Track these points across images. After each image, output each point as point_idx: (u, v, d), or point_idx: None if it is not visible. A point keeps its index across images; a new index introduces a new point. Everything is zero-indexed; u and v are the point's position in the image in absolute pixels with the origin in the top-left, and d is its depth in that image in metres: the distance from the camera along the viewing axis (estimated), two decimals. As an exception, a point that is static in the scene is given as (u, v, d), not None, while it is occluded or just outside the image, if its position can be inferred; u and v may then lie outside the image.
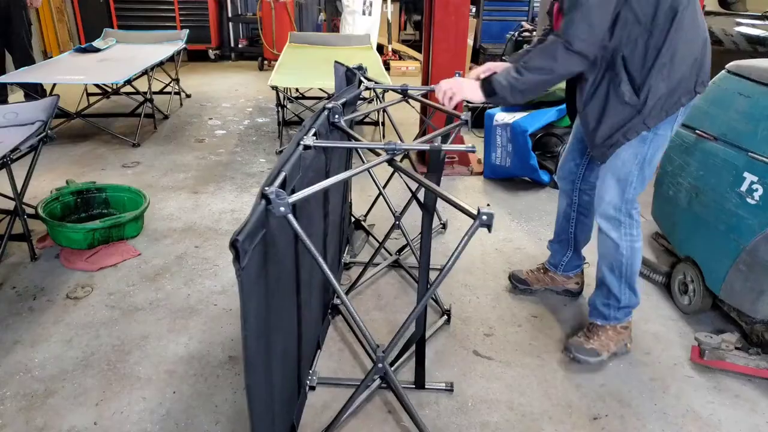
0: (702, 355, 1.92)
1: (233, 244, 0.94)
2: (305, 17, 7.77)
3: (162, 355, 1.95)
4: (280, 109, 4.15)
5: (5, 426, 1.64)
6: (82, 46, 4.97)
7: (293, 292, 1.49)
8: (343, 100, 1.86)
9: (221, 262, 2.56)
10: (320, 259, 1.28)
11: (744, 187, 1.91)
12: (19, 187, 2.45)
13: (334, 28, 7.59)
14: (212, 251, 2.65)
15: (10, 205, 2.52)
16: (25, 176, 2.52)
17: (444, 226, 2.92)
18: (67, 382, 1.82)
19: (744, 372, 1.89)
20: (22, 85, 4.48)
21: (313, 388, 1.79)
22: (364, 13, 6.68)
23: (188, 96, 5.59)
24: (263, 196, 1.09)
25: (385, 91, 2.46)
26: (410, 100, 2.28)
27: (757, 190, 1.87)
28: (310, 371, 1.82)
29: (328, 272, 1.32)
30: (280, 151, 4.04)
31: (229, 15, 7.62)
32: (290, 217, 1.15)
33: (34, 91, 4.34)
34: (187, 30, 5.65)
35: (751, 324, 1.97)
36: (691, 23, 1.63)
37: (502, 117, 3.42)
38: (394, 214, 2.41)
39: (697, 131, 2.17)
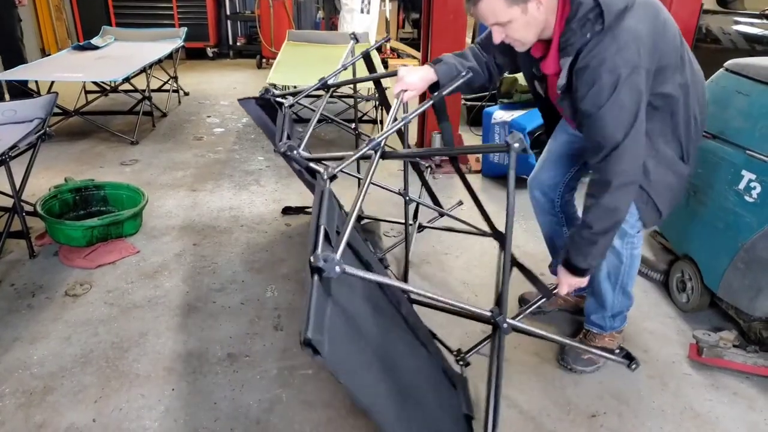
0: (700, 353, 1.93)
1: (307, 344, 0.86)
2: (303, 15, 7.76)
3: (161, 353, 1.95)
4: (279, 108, 4.14)
5: (4, 423, 1.64)
6: (80, 43, 4.96)
7: (390, 316, 1.46)
8: (286, 140, 1.75)
9: (219, 259, 2.56)
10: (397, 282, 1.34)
11: (742, 185, 1.92)
12: (17, 185, 2.45)
13: (333, 26, 7.59)
14: (210, 249, 2.65)
15: (8, 202, 2.51)
16: (24, 174, 2.52)
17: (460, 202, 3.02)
18: (66, 379, 1.82)
19: (742, 369, 1.90)
20: (10, 84, 4.22)
21: (468, 363, 1.81)
22: (362, 11, 6.68)
23: (186, 94, 5.58)
24: (312, 269, 1.00)
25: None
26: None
27: (755, 188, 1.87)
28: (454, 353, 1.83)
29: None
30: (279, 149, 4.03)
31: (228, 13, 7.61)
32: (348, 269, 1.05)
33: (20, 91, 4.10)
34: (186, 28, 5.64)
35: (749, 322, 1.98)
36: (693, 69, 1.62)
37: (500, 115, 3.41)
38: (400, 193, 2.42)
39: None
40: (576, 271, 1.64)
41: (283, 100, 2.10)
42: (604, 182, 1.50)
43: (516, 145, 1.21)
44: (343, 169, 1.45)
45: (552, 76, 1.63)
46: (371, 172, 1.41)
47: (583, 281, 1.68)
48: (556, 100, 1.66)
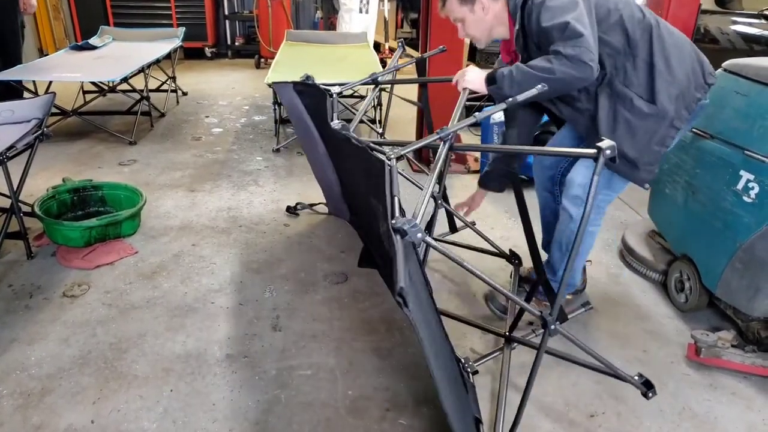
0: (698, 353, 1.93)
1: (400, 294, 0.98)
2: (302, 15, 7.75)
3: (159, 353, 1.95)
4: (276, 107, 4.15)
5: (2, 424, 1.64)
6: (78, 43, 4.95)
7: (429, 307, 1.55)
8: (337, 120, 1.92)
9: (218, 260, 2.56)
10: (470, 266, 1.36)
11: (740, 186, 1.92)
12: (15, 185, 2.44)
13: (331, 26, 7.58)
14: (209, 249, 2.65)
15: (6, 203, 2.51)
16: (21, 174, 2.51)
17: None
18: (64, 380, 1.81)
19: (740, 370, 1.90)
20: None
21: (476, 371, 1.81)
22: (361, 11, 6.67)
23: (185, 94, 5.57)
24: (396, 230, 1.11)
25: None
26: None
27: (753, 188, 1.87)
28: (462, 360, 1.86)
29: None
30: (277, 150, 4.03)
31: (226, 13, 7.61)
32: (428, 239, 1.18)
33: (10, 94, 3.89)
34: (184, 28, 5.64)
35: (747, 322, 1.98)
36: (668, 31, 1.77)
37: (499, 115, 3.41)
38: (434, 197, 2.41)
39: (693, 129, 2.18)
40: (488, 75, 1.78)
41: (329, 88, 2.19)
42: (555, 51, 1.64)
43: (608, 151, 1.25)
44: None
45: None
46: (440, 161, 1.49)
47: (460, 83, 1.86)
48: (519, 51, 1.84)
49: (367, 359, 1.95)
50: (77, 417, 1.67)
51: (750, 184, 1.88)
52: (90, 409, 1.70)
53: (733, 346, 1.93)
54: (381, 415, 1.72)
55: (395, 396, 1.79)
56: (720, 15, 4.38)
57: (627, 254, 2.59)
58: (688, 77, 1.76)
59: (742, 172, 1.91)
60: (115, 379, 1.82)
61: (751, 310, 1.92)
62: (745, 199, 1.90)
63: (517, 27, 1.78)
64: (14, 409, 1.69)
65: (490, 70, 1.81)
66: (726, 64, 2.14)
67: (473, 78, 1.84)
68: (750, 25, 4.14)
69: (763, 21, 4.04)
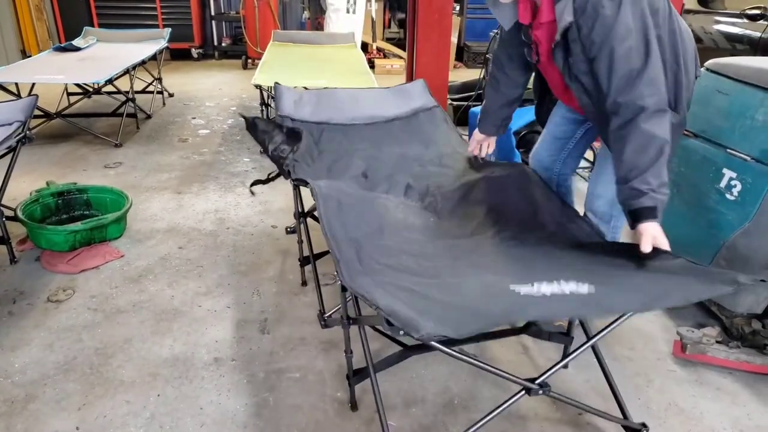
0: (684, 350, 1.95)
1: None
2: (289, 15, 7.73)
3: (145, 358, 1.93)
4: (264, 108, 4.13)
5: (-15, 433, 1.62)
6: (62, 44, 4.89)
7: None
8: None
9: (205, 262, 2.54)
10: None
11: (723, 183, 1.94)
12: (-3, 189, 2.41)
13: (318, 26, 7.56)
14: (196, 252, 2.63)
15: (-12, 207, 2.47)
16: (3, 178, 2.48)
17: None
18: (49, 387, 1.79)
19: (725, 365, 1.92)
20: None
21: None
22: (348, 11, 6.67)
23: (171, 95, 5.53)
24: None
25: None
26: None
27: (735, 186, 1.90)
28: None
29: None
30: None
31: (212, 13, 7.56)
32: None
33: None
34: (170, 28, 5.60)
35: (732, 318, 2.01)
36: (686, 24, 1.67)
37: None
38: None
39: (677, 128, 2.20)
40: (646, 214, 1.44)
41: None
42: (637, 110, 1.42)
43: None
44: None
45: (542, 42, 1.69)
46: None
47: (658, 227, 1.44)
48: (549, 55, 1.65)
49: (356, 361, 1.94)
50: (62, 424, 1.65)
51: (732, 182, 1.91)
52: (75, 416, 1.68)
53: (717, 342, 1.95)
54: (370, 416, 1.71)
55: (385, 397, 1.78)
56: (703, 15, 4.43)
57: (613, 252, 2.61)
58: (693, 77, 1.69)
59: (724, 170, 1.94)
60: (101, 385, 1.80)
61: (734, 306, 1.95)
62: (728, 196, 1.92)
63: (567, 20, 1.48)
64: (-3, 417, 1.67)
65: (646, 206, 1.44)
66: (708, 63, 2.16)
67: (657, 230, 1.44)
68: (733, 24, 4.19)
69: (745, 20, 4.09)
